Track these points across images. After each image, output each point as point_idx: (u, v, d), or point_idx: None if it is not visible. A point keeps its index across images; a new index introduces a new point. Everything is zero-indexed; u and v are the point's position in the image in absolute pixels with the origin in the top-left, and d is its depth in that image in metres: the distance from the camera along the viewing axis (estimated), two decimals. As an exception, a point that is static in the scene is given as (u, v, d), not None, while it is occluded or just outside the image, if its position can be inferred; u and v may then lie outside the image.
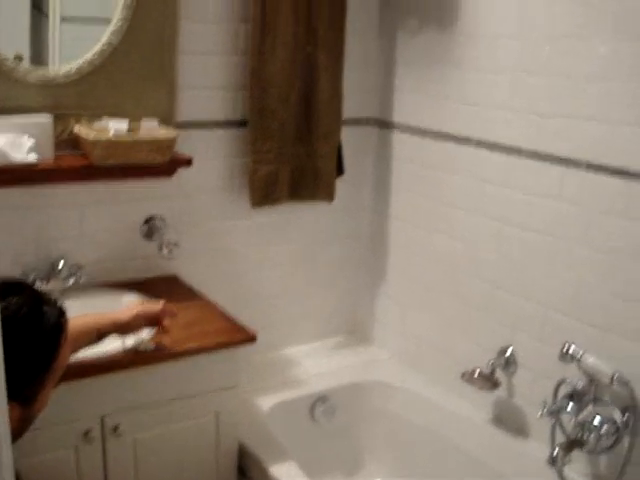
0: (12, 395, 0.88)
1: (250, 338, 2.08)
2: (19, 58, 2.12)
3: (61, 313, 1.43)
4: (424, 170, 2.63)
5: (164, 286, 2.38)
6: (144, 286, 2.32)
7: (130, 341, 1.93)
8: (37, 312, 1.35)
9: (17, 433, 1.32)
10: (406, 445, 2.63)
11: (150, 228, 2.39)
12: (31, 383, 1.33)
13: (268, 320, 2.67)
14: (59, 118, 2.14)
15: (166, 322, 1.93)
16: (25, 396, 1.32)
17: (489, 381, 2.36)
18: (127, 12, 2.20)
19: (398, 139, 2.73)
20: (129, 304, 2.01)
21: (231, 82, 2.45)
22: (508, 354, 2.36)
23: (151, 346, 1.93)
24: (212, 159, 2.47)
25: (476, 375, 2.37)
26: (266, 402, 2.47)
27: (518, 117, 2.27)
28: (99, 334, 1.78)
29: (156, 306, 1.93)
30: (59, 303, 1.44)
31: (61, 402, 1.72)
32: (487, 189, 2.39)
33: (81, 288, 2.23)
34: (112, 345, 1.93)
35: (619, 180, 2.00)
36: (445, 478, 2.48)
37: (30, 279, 2.15)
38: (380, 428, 2.71)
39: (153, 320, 1.92)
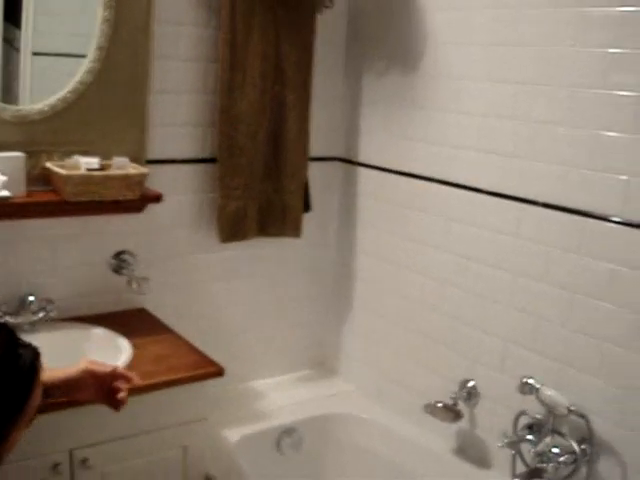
0: None
1: (218, 372, 2.12)
2: (-13, 96, 2.14)
3: (36, 355, 1.42)
4: (389, 207, 2.70)
5: (133, 320, 2.40)
6: (113, 320, 2.34)
7: (100, 375, 1.94)
8: (13, 353, 1.35)
9: None
10: (372, 477, 2.67)
11: (119, 262, 2.42)
12: (4, 424, 1.33)
13: (235, 353, 2.71)
14: (31, 154, 2.17)
15: (121, 386, 1.70)
16: None
17: (451, 412, 2.41)
18: (100, 52, 2.25)
19: (364, 176, 2.80)
20: (81, 359, 1.72)
21: (201, 120, 2.51)
22: (470, 386, 2.42)
23: (120, 380, 1.95)
24: (181, 195, 2.52)
25: (439, 407, 2.42)
26: (233, 434, 2.49)
27: (480, 157, 2.35)
28: (46, 392, 1.51)
29: (107, 367, 1.71)
30: (33, 345, 1.45)
31: (30, 436, 1.72)
32: (451, 226, 2.47)
33: (50, 322, 2.25)
34: (82, 379, 1.95)
35: (575, 218, 2.09)
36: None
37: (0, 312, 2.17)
38: (346, 460, 2.74)
39: (103, 381, 1.70)
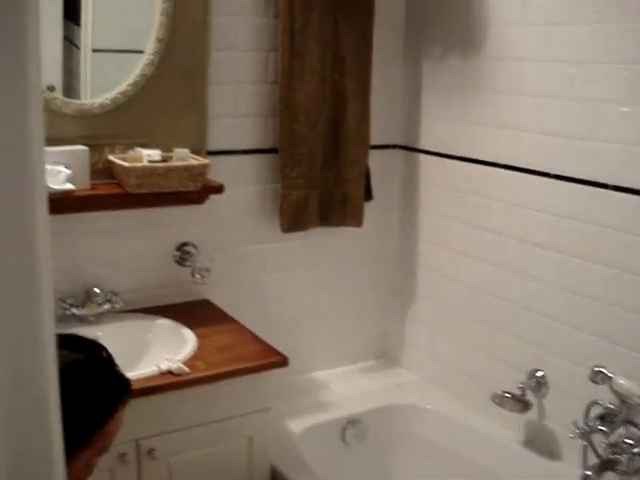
0: None
1: (283, 361, 2.11)
2: (51, 89, 2.18)
3: (124, 388, 1.45)
4: (451, 193, 2.65)
5: (196, 310, 2.42)
6: (177, 311, 2.36)
7: (165, 364, 1.96)
8: (110, 372, 1.38)
9: None
10: (437, 468, 2.63)
11: (182, 254, 2.44)
12: (75, 440, 1.26)
13: (298, 344, 2.70)
14: (94, 148, 2.20)
15: None
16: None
17: (520, 403, 2.36)
18: (159, 45, 2.26)
19: (425, 163, 2.76)
20: None
21: (261, 110, 2.50)
22: (539, 375, 2.37)
23: (186, 370, 1.96)
24: (242, 185, 2.52)
25: (507, 397, 2.37)
26: (298, 425, 2.49)
27: (544, 140, 2.29)
28: None
29: None
30: (125, 376, 1.46)
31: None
32: (514, 211, 2.41)
33: (115, 314, 2.28)
34: (147, 368, 1.97)
35: (645, 201, 2.02)
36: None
37: (66, 304, 2.20)
38: (411, 451, 2.71)
39: None
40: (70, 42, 2.30)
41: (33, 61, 0.48)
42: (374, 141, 2.68)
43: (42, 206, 0.51)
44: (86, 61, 2.32)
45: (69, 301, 2.22)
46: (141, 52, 2.27)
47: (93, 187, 2.17)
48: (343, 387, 2.78)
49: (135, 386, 1.88)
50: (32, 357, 0.53)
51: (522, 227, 2.39)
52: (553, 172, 2.27)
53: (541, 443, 2.41)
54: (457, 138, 2.61)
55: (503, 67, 2.40)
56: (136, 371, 1.97)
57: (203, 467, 2.09)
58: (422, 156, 2.76)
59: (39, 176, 0.50)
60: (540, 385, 2.37)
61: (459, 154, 2.60)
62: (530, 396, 2.37)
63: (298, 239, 2.65)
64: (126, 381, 1.44)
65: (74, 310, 2.21)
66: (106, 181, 2.22)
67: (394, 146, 2.84)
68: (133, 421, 1.93)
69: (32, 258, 0.52)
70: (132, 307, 2.35)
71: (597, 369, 2.12)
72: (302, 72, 2.45)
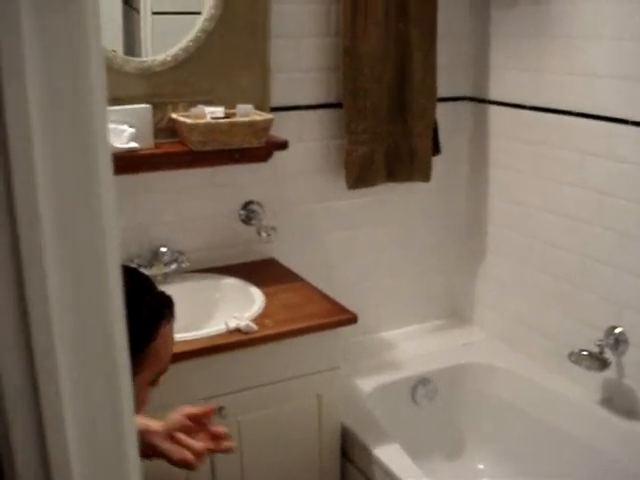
0: None
1: (352, 319, 2.07)
2: (112, 52, 2.16)
3: (165, 302, 1.40)
4: (522, 145, 2.55)
5: (263, 269, 2.39)
6: (244, 270, 2.34)
7: (233, 322, 1.94)
8: (135, 300, 1.30)
9: None
10: (509, 429, 2.58)
11: (248, 213, 2.41)
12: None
13: (365, 303, 2.66)
14: (156, 106, 2.17)
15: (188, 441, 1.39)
16: None
17: (597, 361, 2.28)
18: (220, -1, 2.21)
19: (494, 115, 2.66)
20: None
21: (324, 64, 2.44)
22: (617, 332, 2.27)
23: (254, 327, 1.94)
24: (306, 142, 2.47)
25: (584, 355, 2.29)
26: (367, 385, 2.46)
27: (620, 86, 2.17)
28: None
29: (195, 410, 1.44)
30: (167, 294, 1.42)
31: (167, 385, 1.75)
32: (589, 161, 2.30)
33: (183, 273, 2.27)
34: (216, 327, 1.96)
35: None
36: (551, 464, 2.42)
37: (134, 264, 2.20)
38: (482, 411, 2.66)
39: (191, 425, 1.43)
40: (130, 6, 2.28)
41: (93, 22, 0.49)
42: (441, 93, 2.59)
43: (107, 166, 0.49)
44: (146, 24, 2.31)
45: (137, 261, 2.22)
46: (200, 13, 2.23)
47: (157, 146, 2.15)
48: (412, 346, 2.74)
49: (203, 344, 1.89)
50: (97, 311, 0.51)
51: (598, 178, 2.28)
52: (632, 119, 2.15)
53: (620, 402, 2.32)
54: (528, 87, 2.50)
55: (577, 10, 2.28)
56: (204, 329, 1.97)
57: (272, 426, 2.08)
58: (491, 107, 2.66)
59: (102, 136, 0.49)
60: (619, 343, 2.28)
61: (530, 104, 2.49)
62: (608, 354, 2.28)
63: (364, 196, 2.59)
64: (166, 297, 1.39)
65: (142, 270, 2.21)
66: (169, 140, 2.20)
67: (462, 98, 2.74)
68: (202, 380, 1.94)
69: (99, 219, 0.51)
70: (199, 267, 2.34)
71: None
72: (365, 23, 2.37)
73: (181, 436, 1.39)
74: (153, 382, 1.38)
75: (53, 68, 0.47)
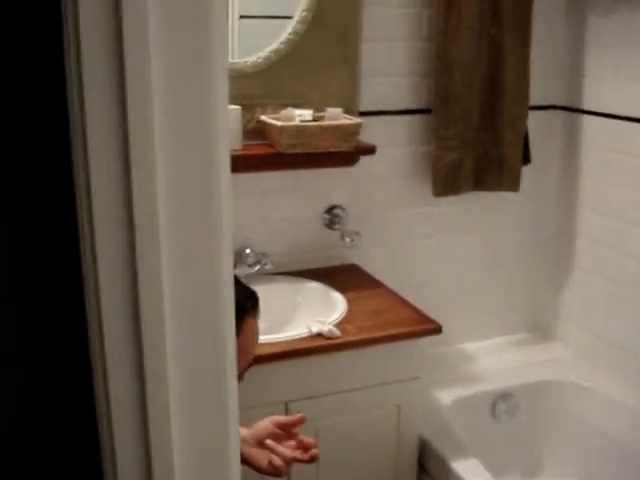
0: None
1: (436, 329, 2.03)
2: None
3: (250, 296, 1.40)
4: (616, 156, 2.46)
5: (345, 275, 2.37)
6: (326, 274, 2.32)
7: (316, 327, 1.93)
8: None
9: None
10: (591, 451, 2.47)
11: (332, 217, 2.39)
12: None
13: (446, 313, 2.57)
14: (245, 108, 2.17)
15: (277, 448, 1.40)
16: None
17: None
18: (311, 2, 2.20)
19: (588, 124, 2.57)
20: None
21: (414, 68, 2.41)
22: None
23: (337, 332, 1.92)
24: (394, 147, 2.44)
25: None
26: (447, 396, 2.41)
27: None
28: None
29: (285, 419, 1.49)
30: (252, 289, 1.42)
31: (247, 386, 1.74)
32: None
33: (265, 275, 2.27)
34: (297, 330, 1.95)
35: None
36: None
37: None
38: (564, 431, 2.57)
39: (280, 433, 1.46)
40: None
41: (219, 37, 0.51)
42: (533, 101, 2.52)
43: (226, 167, 0.49)
44: (234, 28, 2.31)
45: (220, 261, 2.23)
46: (288, 17, 2.22)
47: (245, 147, 2.15)
48: (493, 360, 2.67)
49: (285, 347, 1.88)
50: (211, 302, 0.51)
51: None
52: None
53: None
54: (624, 97, 2.40)
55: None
56: (286, 332, 1.96)
57: (351, 433, 2.05)
58: (585, 117, 2.58)
59: (222, 137, 0.50)
60: None
61: (626, 114, 2.40)
62: None
63: (450, 204, 2.54)
64: (251, 292, 1.38)
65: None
66: (257, 142, 2.20)
67: (554, 107, 2.66)
68: (282, 383, 1.92)
69: (219, 218, 0.52)
70: (281, 269, 2.33)
71: None
72: (458, 28, 2.33)
73: (270, 442, 1.39)
74: (238, 379, 1.38)
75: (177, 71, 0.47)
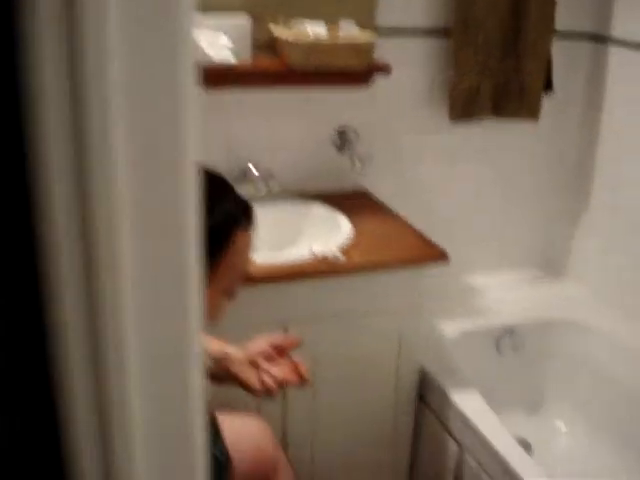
0: None
1: (442, 256, 1.96)
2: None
3: (243, 209, 1.30)
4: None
5: (354, 200, 2.29)
6: (333, 198, 2.24)
7: (319, 249, 1.86)
8: (210, 202, 1.21)
9: None
10: (595, 391, 2.43)
11: (342, 140, 2.30)
12: None
13: (455, 243, 2.49)
14: (255, 19, 2.07)
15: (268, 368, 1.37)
16: None
17: None
18: None
19: (616, 55, 2.44)
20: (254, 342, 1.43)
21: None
22: None
23: (340, 256, 1.86)
24: (410, 69, 2.33)
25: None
26: (450, 329, 2.36)
27: None
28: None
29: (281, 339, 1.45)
30: (247, 201, 1.34)
31: (245, 308, 1.69)
32: None
33: (271, 196, 2.19)
34: (300, 252, 1.89)
35: None
36: (636, 434, 2.28)
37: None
38: (569, 370, 2.52)
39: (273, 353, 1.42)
40: None
41: None
42: (558, 27, 2.39)
43: (190, 78, 0.43)
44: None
45: (225, 179, 2.16)
46: None
47: (254, 61, 2.06)
48: (501, 294, 2.61)
49: (287, 270, 1.82)
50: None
51: None
52: None
53: None
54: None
55: None
56: (289, 253, 1.90)
57: (349, 361, 2.01)
58: (614, 47, 2.45)
59: (188, 45, 0.43)
60: None
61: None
62: None
63: (466, 131, 2.44)
64: (245, 203, 1.30)
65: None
66: (267, 56, 2.10)
67: (581, 33, 2.53)
68: (282, 306, 1.87)
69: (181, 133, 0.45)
70: (287, 192, 2.26)
71: None
72: (485, -56, 2.20)
73: (263, 363, 1.35)
74: (229, 293, 1.32)
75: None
